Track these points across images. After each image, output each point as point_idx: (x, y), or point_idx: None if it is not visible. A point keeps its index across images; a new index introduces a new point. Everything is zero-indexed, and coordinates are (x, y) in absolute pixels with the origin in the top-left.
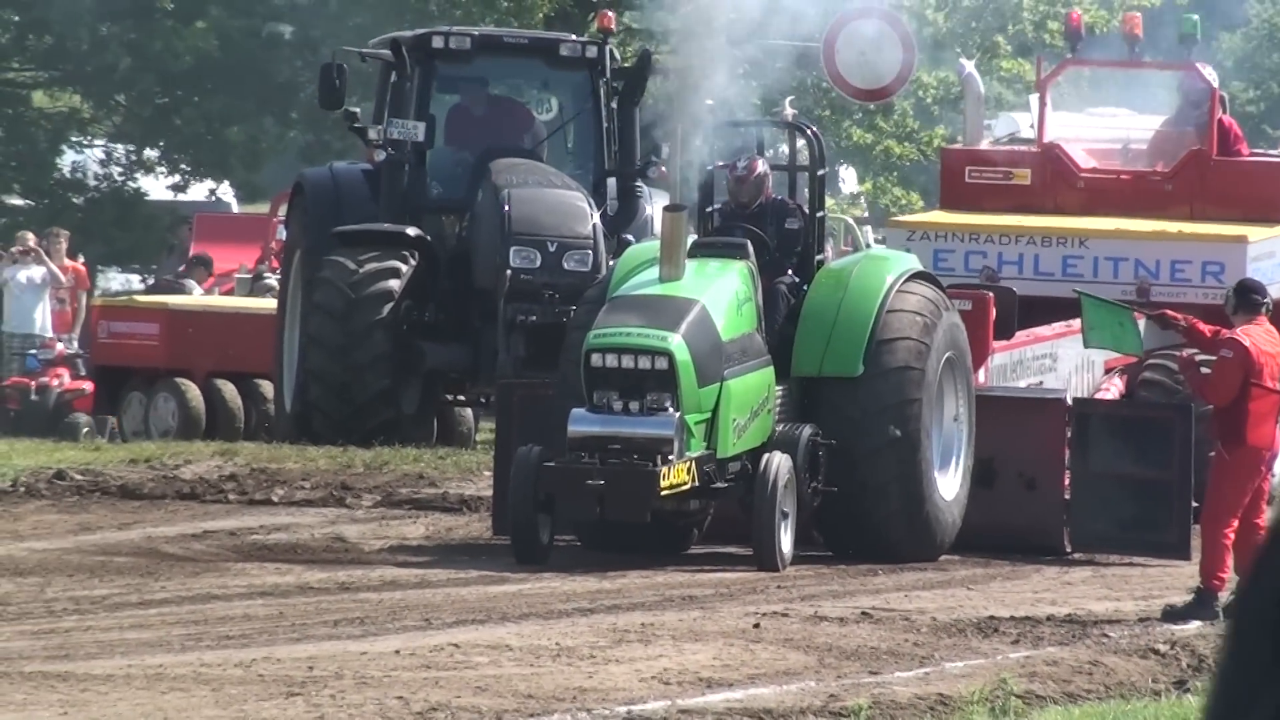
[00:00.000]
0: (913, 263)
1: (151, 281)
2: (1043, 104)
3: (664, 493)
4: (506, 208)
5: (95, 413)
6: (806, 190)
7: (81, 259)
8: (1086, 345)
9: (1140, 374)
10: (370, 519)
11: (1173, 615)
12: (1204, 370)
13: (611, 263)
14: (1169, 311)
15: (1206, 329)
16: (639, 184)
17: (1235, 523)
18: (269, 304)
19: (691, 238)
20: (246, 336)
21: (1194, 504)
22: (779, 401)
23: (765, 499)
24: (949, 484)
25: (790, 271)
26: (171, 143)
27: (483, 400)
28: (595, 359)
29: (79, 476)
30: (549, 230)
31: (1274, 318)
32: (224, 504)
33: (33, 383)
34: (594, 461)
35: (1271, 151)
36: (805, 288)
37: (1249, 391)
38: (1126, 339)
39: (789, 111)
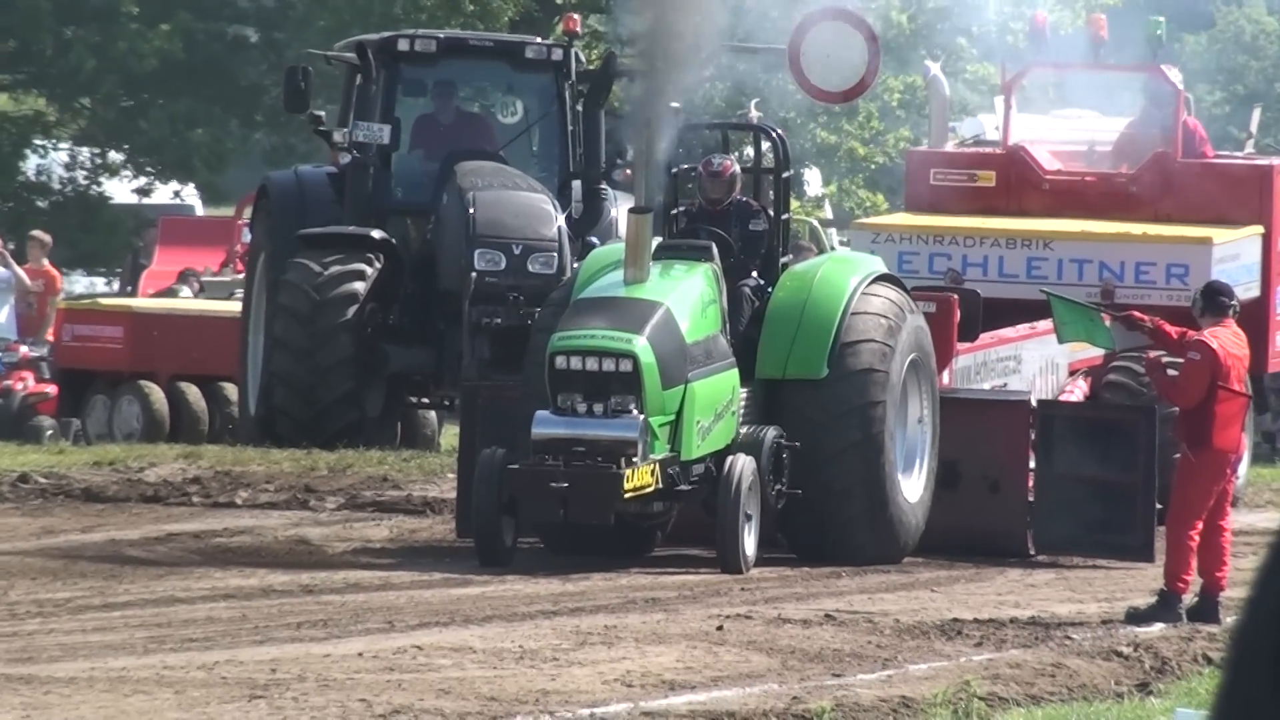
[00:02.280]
0: (877, 265)
1: (116, 285)
2: (1008, 106)
3: (628, 495)
4: (471, 210)
5: (59, 416)
6: (771, 192)
7: (46, 262)
8: (1061, 341)
9: (1104, 376)
10: (334, 521)
11: (1136, 617)
12: (1171, 372)
13: (576, 265)
14: (1135, 313)
15: (1173, 331)
16: (604, 186)
17: (1199, 525)
18: (233, 307)
19: (656, 240)
20: (210, 339)
21: (1158, 506)
22: (743, 404)
23: (729, 501)
24: (913, 486)
25: (755, 274)
26: (136, 145)
27: (447, 403)
28: (559, 361)
29: (43, 479)
30: (514, 233)
31: (1241, 320)
32: (188, 507)
33: None
34: (558, 464)
35: (1236, 154)
36: (770, 290)
37: (1216, 394)
38: (1099, 334)
39: (754, 114)
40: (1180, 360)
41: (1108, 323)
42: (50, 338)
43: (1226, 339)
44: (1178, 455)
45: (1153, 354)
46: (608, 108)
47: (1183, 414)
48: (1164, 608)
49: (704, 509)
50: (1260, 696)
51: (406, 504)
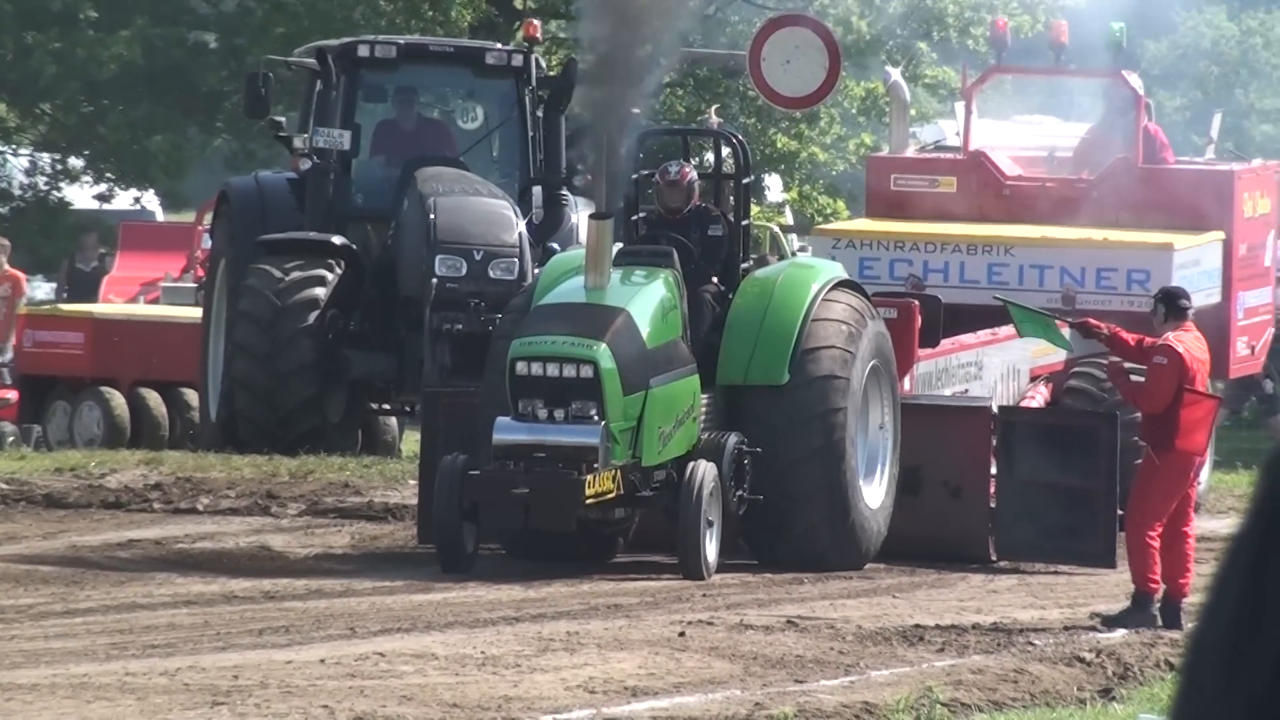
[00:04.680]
0: (838, 271)
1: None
2: (968, 111)
3: (589, 501)
4: (432, 216)
5: (20, 421)
6: (731, 198)
7: (8, 267)
8: (1021, 335)
9: (1065, 382)
10: (295, 528)
11: (1111, 622)
12: (1135, 378)
13: (537, 271)
14: (1091, 320)
15: (1130, 337)
16: (564, 192)
17: (1159, 527)
18: (194, 313)
19: (617, 246)
20: (171, 345)
21: (1120, 512)
22: (704, 410)
23: (690, 507)
24: (874, 492)
25: (715, 279)
26: (96, 151)
27: (408, 409)
28: (520, 367)
29: (4, 486)
30: (475, 239)
31: (1202, 326)
32: (149, 513)
33: None
34: (519, 470)
35: (1197, 159)
36: (730, 295)
37: (1182, 398)
38: (1056, 337)
39: (714, 119)
40: (1142, 366)
41: (1065, 330)
42: (15, 343)
43: (1190, 343)
44: (1139, 461)
45: (1113, 359)
46: (568, 113)
47: (1148, 418)
48: (1138, 610)
49: (665, 515)
50: (1215, 704)
51: (368, 510)
